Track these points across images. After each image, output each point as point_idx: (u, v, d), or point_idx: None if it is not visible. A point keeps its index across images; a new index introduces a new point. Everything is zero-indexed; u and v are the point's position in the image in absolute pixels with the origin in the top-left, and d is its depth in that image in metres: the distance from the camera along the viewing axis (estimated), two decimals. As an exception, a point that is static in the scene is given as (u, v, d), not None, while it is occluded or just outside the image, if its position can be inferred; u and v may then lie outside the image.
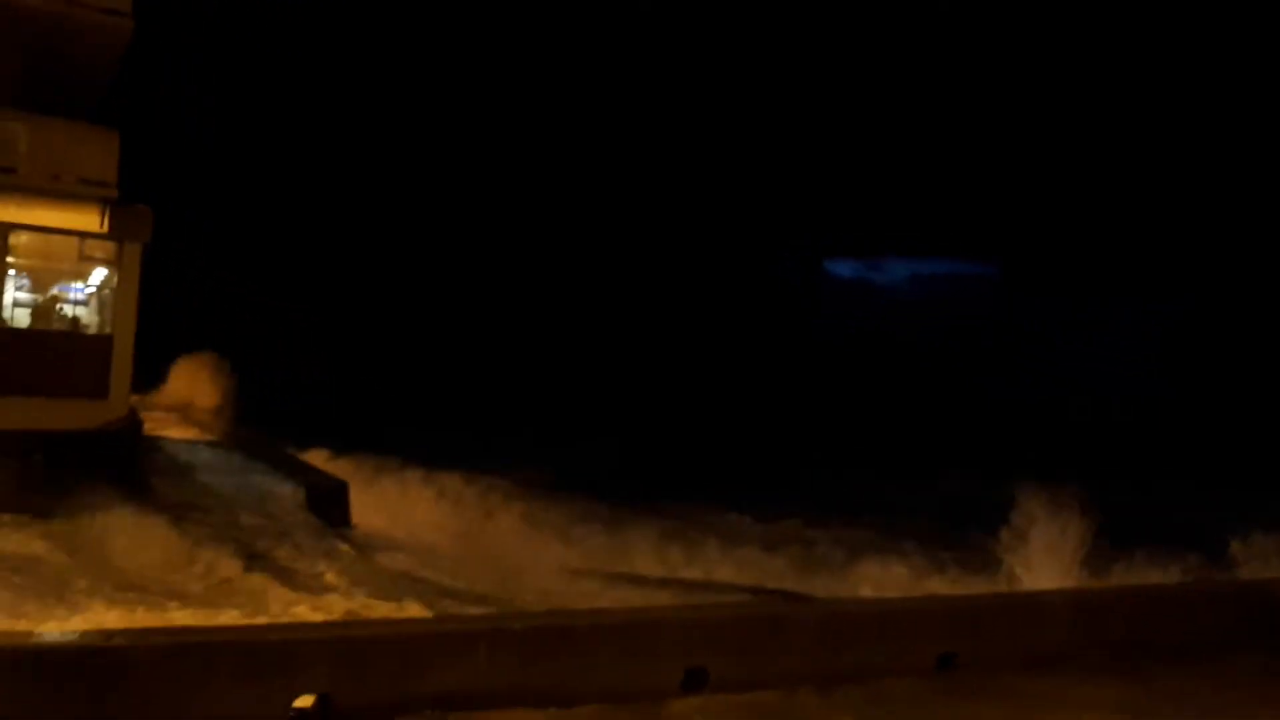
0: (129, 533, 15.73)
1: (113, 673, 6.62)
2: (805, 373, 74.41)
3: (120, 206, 18.58)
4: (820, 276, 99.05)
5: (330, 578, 15.25)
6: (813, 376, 72.71)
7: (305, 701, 6.90)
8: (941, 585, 16.33)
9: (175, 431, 23.76)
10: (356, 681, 7.17)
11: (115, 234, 18.74)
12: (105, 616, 11.80)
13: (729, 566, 19.39)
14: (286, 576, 15.06)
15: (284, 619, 12.47)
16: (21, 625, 10.75)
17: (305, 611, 13.05)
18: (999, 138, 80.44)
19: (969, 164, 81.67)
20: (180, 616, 12.11)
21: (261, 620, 12.06)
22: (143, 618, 11.93)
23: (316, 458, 24.70)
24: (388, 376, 56.60)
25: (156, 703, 6.64)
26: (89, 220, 18.46)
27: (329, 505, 19.74)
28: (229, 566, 15.19)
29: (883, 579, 17.65)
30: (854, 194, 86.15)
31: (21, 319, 19.88)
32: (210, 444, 22.94)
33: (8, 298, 19.06)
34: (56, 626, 10.75)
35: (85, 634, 7.14)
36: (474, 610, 13.40)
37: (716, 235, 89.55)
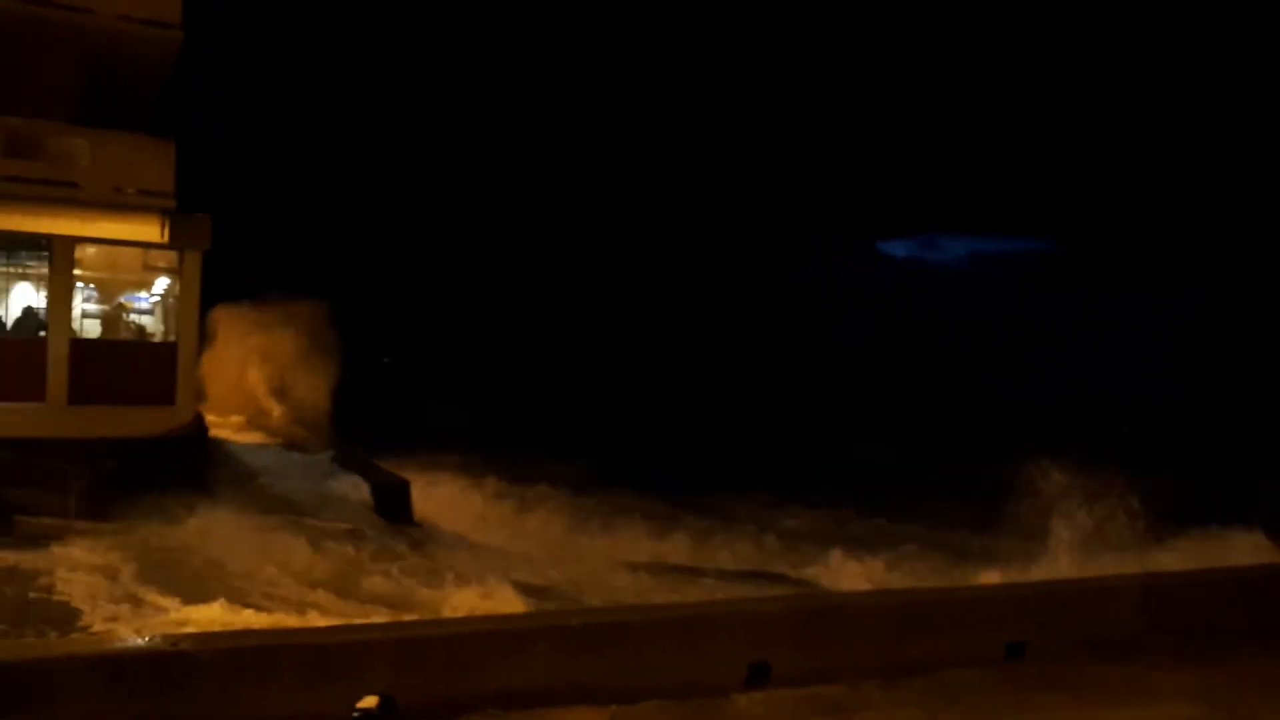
0: (219, 539, 15.78)
1: (179, 676, 6.70)
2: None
3: (179, 216, 18.91)
4: (872, 259, 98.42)
5: (410, 577, 15.28)
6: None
7: (369, 702, 6.94)
8: (998, 573, 16.03)
9: (239, 435, 24.12)
10: (418, 681, 7.19)
11: (176, 243, 19.09)
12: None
13: (778, 558, 19.26)
14: (372, 577, 15.09)
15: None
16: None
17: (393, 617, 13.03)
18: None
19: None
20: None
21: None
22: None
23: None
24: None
25: (222, 705, 6.71)
26: (150, 231, 18.82)
27: (394, 504, 20.00)
28: (320, 570, 15.20)
29: (936, 568, 17.39)
30: (909, 175, 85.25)
31: (91, 329, 20.32)
32: (272, 447, 23.29)
33: (76, 309, 19.50)
34: (123, 632, 10.92)
35: (152, 638, 7.24)
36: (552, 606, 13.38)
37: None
